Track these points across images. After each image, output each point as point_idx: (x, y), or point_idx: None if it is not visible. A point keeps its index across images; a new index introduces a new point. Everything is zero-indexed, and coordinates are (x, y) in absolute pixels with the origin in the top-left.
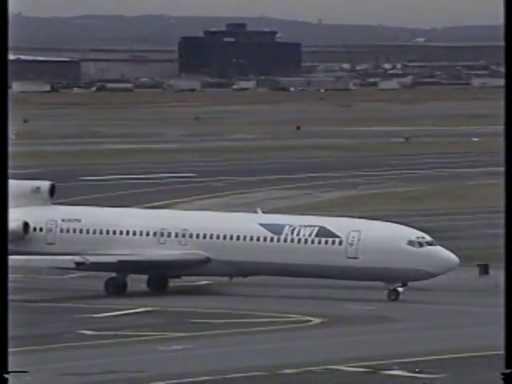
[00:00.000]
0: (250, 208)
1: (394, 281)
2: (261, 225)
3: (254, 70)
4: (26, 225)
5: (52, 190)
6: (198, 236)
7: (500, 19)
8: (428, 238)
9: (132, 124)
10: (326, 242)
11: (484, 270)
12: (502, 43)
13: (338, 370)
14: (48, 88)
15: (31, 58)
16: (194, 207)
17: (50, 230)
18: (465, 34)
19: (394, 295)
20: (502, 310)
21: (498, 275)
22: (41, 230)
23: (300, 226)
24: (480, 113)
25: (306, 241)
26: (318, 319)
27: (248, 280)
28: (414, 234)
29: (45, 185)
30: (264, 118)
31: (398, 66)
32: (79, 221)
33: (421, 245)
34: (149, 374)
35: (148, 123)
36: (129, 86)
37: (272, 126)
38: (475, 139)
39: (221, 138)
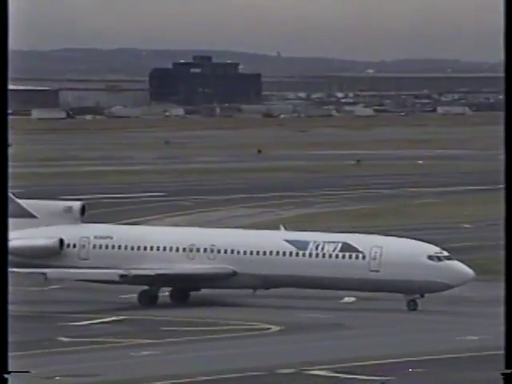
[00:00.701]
0: (215, 224)
1: (413, 292)
2: (286, 241)
3: (218, 98)
4: (61, 241)
5: (83, 210)
6: (225, 251)
7: (442, 53)
8: (446, 253)
9: (106, 148)
10: (350, 257)
11: None
12: (444, 75)
13: (294, 373)
14: (37, 115)
15: (13, 87)
16: (164, 224)
17: (83, 247)
18: (410, 66)
19: (412, 305)
20: (449, 318)
21: None
22: (74, 246)
23: (324, 242)
24: (424, 138)
25: (330, 255)
26: (277, 327)
27: (218, 291)
28: (433, 249)
29: (76, 205)
30: (227, 142)
31: (350, 94)
32: (111, 238)
33: (439, 259)
34: (102, 379)
35: (121, 147)
36: (102, 115)
37: (235, 150)
38: (420, 162)
39: (188, 161)
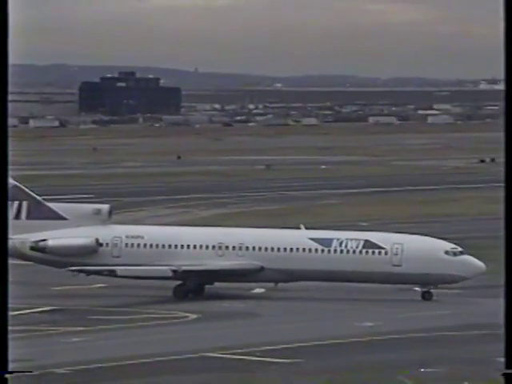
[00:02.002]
0: (140, 222)
1: (431, 284)
2: (311, 239)
3: (142, 109)
4: (97, 241)
5: (110, 212)
6: (253, 248)
7: (342, 70)
8: (460, 248)
9: (40, 154)
10: (373, 253)
11: None
12: (344, 89)
13: (210, 357)
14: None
15: None
16: None
17: (115, 245)
18: (315, 81)
19: (427, 296)
20: (350, 306)
21: None
22: (107, 245)
23: (347, 239)
24: (327, 145)
25: (354, 252)
26: (194, 315)
27: (146, 283)
28: (449, 245)
29: (105, 207)
30: (150, 149)
31: (260, 106)
32: (142, 237)
33: (455, 254)
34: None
35: (54, 153)
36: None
37: (157, 156)
38: (323, 166)
39: (114, 166)
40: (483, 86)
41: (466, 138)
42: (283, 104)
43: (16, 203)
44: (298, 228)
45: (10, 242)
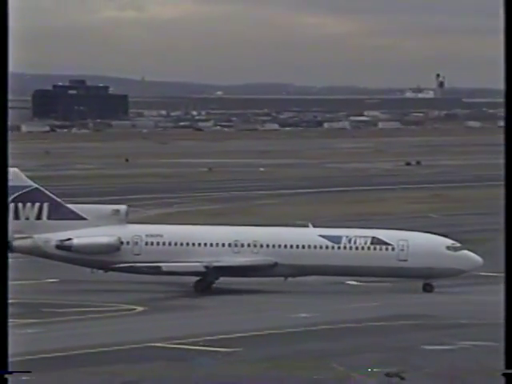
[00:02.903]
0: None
1: (434, 277)
2: (321, 236)
3: (92, 115)
4: (119, 239)
5: (127, 212)
6: (267, 246)
7: (279, 78)
8: (458, 244)
9: None
10: (381, 249)
11: None
12: (280, 96)
13: (158, 347)
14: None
15: None
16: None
17: (136, 244)
18: (254, 89)
19: (429, 288)
20: (288, 299)
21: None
22: (128, 243)
23: (355, 236)
24: (265, 149)
25: (362, 248)
26: (141, 307)
27: (100, 278)
28: (449, 241)
29: (123, 208)
30: (99, 153)
31: (203, 113)
32: (161, 236)
33: (456, 249)
34: None
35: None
36: None
37: (106, 159)
38: (262, 169)
39: (66, 168)
40: (409, 94)
41: (393, 143)
42: (224, 111)
43: (37, 204)
44: (306, 226)
45: (33, 241)
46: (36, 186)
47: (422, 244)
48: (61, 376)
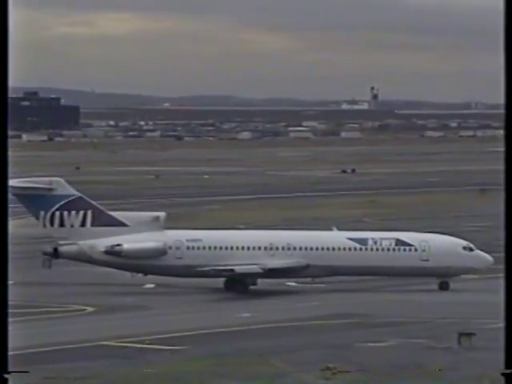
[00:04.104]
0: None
1: (451, 276)
2: (349, 239)
3: (44, 126)
4: (166, 244)
5: (165, 219)
6: (300, 248)
7: (224, 91)
8: (472, 245)
9: None
10: (404, 250)
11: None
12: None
13: (108, 345)
14: None
15: None
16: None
17: (177, 248)
18: (199, 100)
19: (445, 286)
20: (229, 299)
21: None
22: (170, 248)
23: (380, 238)
24: (209, 157)
25: (388, 249)
26: (91, 308)
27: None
28: (464, 242)
29: (162, 215)
30: (51, 161)
31: (150, 123)
32: (201, 240)
33: (471, 249)
34: None
35: None
36: None
37: (57, 167)
38: (206, 176)
39: (22, 176)
40: (345, 106)
41: (330, 152)
42: (170, 121)
43: (81, 212)
44: (330, 230)
45: (78, 247)
46: (79, 194)
47: (441, 245)
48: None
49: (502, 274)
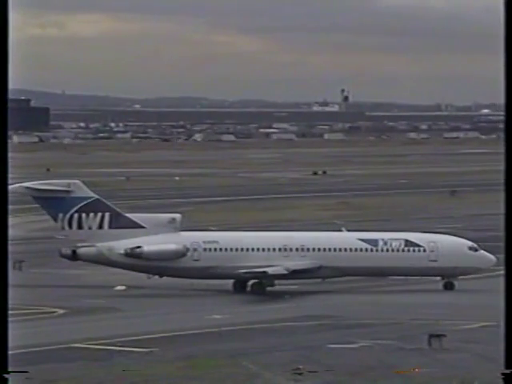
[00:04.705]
0: (17, 227)
1: (457, 276)
2: (360, 240)
3: (15, 128)
4: (185, 246)
5: (181, 221)
6: (313, 250)
7: (195, 93)
8: (476, 245)
9: None
10: (414, 250)
11: None
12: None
13: (79, 347)
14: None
15: None
16: None
17: (195, 250)
18: (170, 102)
19: (450, 286)
20: (206, 300)
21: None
22: (187, 250)
23: (390, 239)
24: (180, 159)
25: (397, 250)
26: (62, 310)
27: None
28: (469, 243)
29: (178, 216)
30: (23, 163)
31: (121, 125)
32: (217, 242)
33: (476, 250)
34: None
35: None
36: None
37: (28, 169)
38: (177, 178)
39: None
40: (316, 108)
41: (301, 153)
42: (141, 123)
43: (99, 215)
44: (340, 231)
45: (97, 249)
46: (97, 196)
47: (449, 245)
48: None
49: (478, 275)
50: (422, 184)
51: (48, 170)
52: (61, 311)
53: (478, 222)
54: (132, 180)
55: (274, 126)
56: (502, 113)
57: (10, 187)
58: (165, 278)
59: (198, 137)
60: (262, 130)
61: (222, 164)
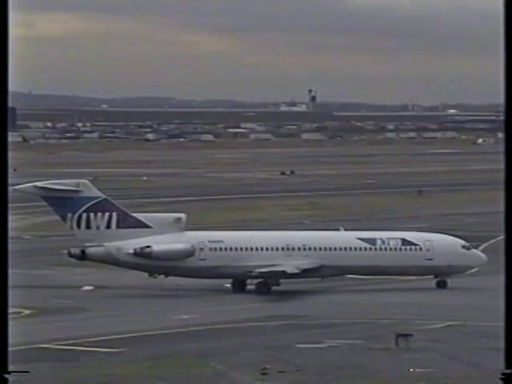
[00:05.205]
0: None
1: (451, 274)
2: (359, 239)
3: None
4: (193, 245)
5: (187, 220)
6: (314, 249)
7: (161, 92)
8: (467, 243)
9: None
10: (411, 249)
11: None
12: (162, 109)
13: (46, 348)
14: None
15: None
16: None
17: (201, 249)
18: (137, 102)
19: (442, 284)
20: (174, 301)
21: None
22: (195, 249)
23: (387, 238)
24: (148, 159)
25: (395, 249)
26: (28, 311)
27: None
28: (462, 241)
29: (183, 216)
30: None
31: (88, 125)
32: (222, 242)
33: (468, 248)
34: None
35: None
36: None
37: None
38: (144, 178)
39: None
40: (283, 108)
41: (269, 153)
42: (108, 123)
43: (107, 214)
44: (338, 230)
45: (105, 249)
46: (105, 196)
47: (443, 244)
48: None
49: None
50: (389, 184)
51: (15, 169)
52: (27, 311)
53: (445, 221)
54: (100, 180)
55: (242, 125)
56: (469, 113)
57: (21, 186)
58: (134, 277)
59: (150, 136)
60: (230, 130)
61: (190, 164)
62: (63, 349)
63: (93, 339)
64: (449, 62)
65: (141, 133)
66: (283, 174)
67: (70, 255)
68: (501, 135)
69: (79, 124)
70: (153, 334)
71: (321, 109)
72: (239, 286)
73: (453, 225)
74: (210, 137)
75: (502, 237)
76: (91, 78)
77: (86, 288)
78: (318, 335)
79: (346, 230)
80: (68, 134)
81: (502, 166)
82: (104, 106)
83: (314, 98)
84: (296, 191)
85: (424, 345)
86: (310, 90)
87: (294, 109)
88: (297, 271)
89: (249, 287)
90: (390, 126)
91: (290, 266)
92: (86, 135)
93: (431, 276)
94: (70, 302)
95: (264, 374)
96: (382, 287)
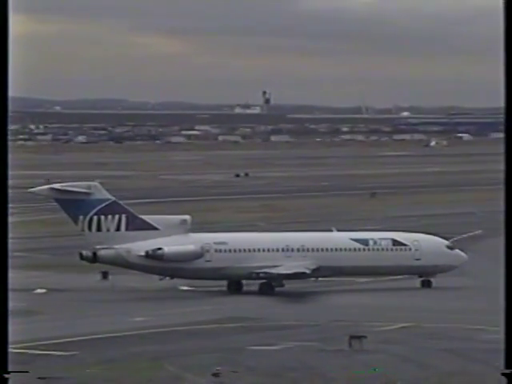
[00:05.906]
0: None
1: (435, 273)
2: (352, 239)
3: None
4: (202, 247)
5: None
6: (312, 250)
7: (114, 94)
8: (451, 243)
9: None
10: (401, 249)
11: (104, 275)
12: (116, 111)
13: None
14: None
15: None
16: None
17: (207, 251)
18: (90, 104)
19: (427, 284)
20: (121, 304)
21: (116, 279)
22: (203, 251)
23: (379, 238)
24: (102, 161)
25: (386, 249)
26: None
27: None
28: (446, 242)
29: (188, 218)
30: None
31: (41, 126)
32: (226, 243)
33: (452, 248)
34: None
35: None
36: None
37: None
38: (98, 180)
39: None
40: (238, 110)
41: (223, 156)
42: (62, 125)
43: (116, 217)
44: (331, 231)
45: (116, 251)
46: (114, 198)
47: (430, 244)
48: None
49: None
50: (343, 186)
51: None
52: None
53: (400, 223)
54: (51, 182)
55: (196, 127)
56: (421, 115)
57: (37, 188)
58: (89, 280)
59: (81, 139)
60: (184, 132)
61: (144, 166)
62: (17, 352)
63: (47, 342)
64: (401, 64)
65: (94, 134)
66: (238, 176)
67: (82, 258)
68: (453, 136)
69: (32, 126)
70: (106, 337)
71: (275, 111)
72: (235, 287)
73: (409, 226)
74: (180, 139)
75: (456, 238)
76: (44, 79)
77: (39, 291)
78: (272, 337)
79: (338, 230)
80: (21, 136)
81: (452, 168)
82: (57, 107)
83: (268, 101)
84: (251, 193)
85: (377, 346)
86: (264, 92)
87: (248, 111)
88: (307, 271)
89: (245, 288)
90: (344, 129)
91: (302, 266)
92: (39, 137)
93: (412, 276)
94: (23, 304)
95: (217, 375)
96: (357, 288)
